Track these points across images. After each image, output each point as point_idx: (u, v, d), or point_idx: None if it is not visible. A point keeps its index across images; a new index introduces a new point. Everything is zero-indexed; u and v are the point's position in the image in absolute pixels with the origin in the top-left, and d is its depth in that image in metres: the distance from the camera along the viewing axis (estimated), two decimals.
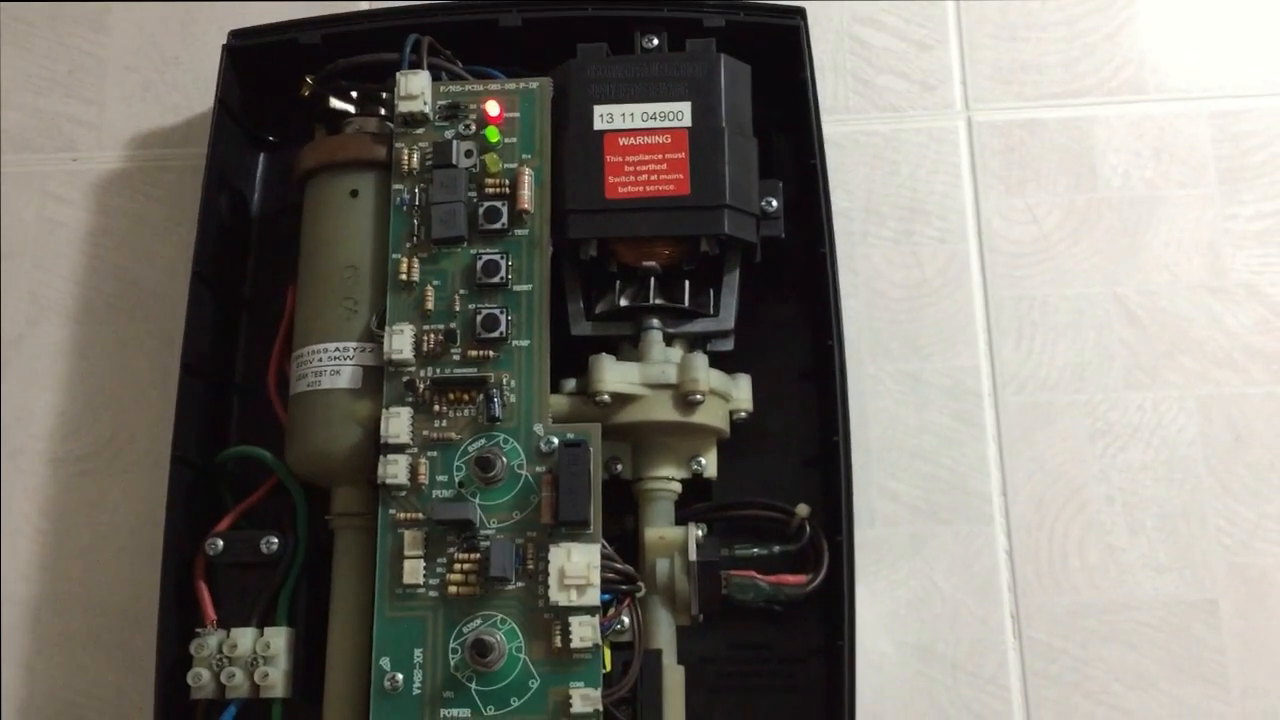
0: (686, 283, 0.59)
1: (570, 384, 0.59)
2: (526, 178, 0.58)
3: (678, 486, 0.59)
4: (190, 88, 0.71)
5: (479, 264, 0.57)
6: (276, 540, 0.58)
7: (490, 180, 0.58)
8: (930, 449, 0.63)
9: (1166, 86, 0.68)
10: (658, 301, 0.59)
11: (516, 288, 0.57)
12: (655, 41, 0.63)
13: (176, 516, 0.59)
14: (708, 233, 0.58)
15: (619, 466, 0.59)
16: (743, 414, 0.60)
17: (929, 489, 0.62)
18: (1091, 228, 0.66)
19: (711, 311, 0.60)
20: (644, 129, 0.59)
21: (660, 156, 0.59)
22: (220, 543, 0.58)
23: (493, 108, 0.59)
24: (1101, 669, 0.60)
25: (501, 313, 0.57)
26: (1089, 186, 0.66)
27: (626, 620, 0.55)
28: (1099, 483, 0.62)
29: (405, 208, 0.59)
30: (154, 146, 0.70)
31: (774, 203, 0.61)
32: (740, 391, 0.60)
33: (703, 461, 0.59)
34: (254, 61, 0.66)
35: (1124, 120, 0.67)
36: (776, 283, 0.63)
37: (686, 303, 0.59)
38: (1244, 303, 0.64)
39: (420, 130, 0.60)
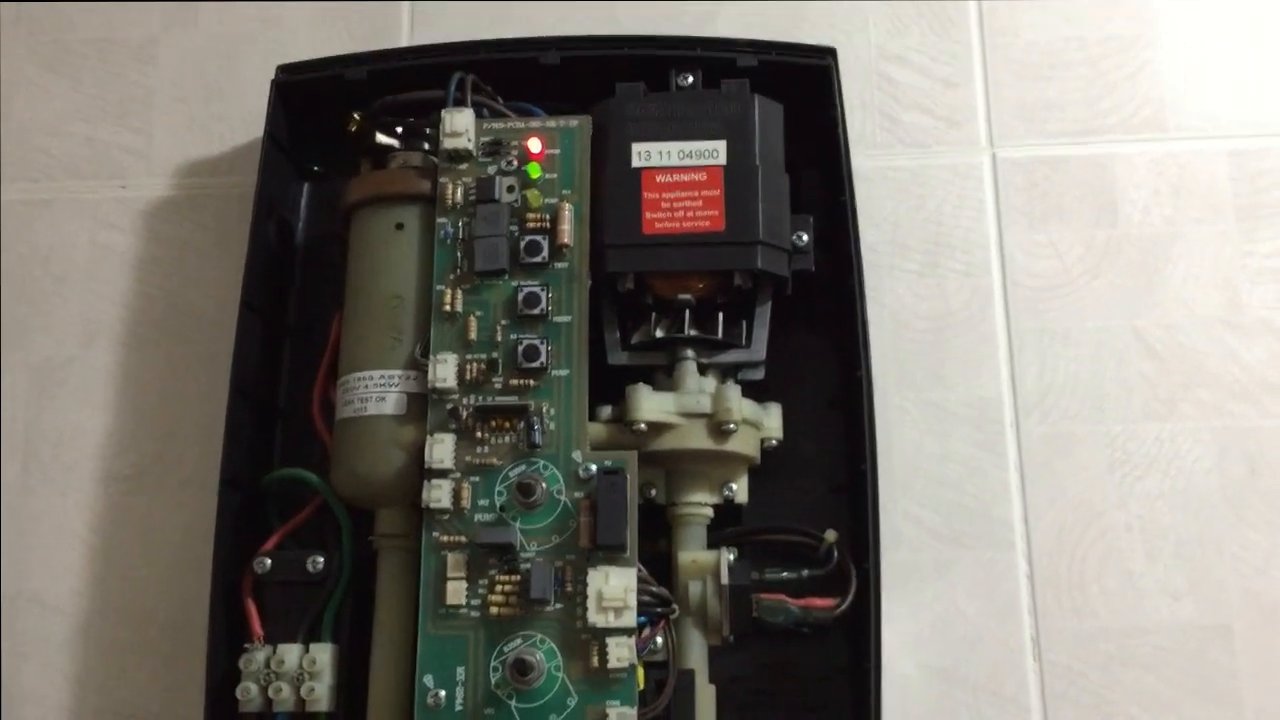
0: (720, 315, 0.61)
1: (607, 411, 0.60)
2: (567, 213, 0.60)
3: (710, 511, 0.61)
4: (235, 118, 0.73)
5: (520, 296, 0.59)
6: (322, 560, 0.60)
7: (531, 215, 0.60)
8: (954, 476, 0.65)
9: (1186, 125, 0.69)
10: (692, 333, 0.61)
11: (556, 319, 0.59)
12: (690, 79, 0.65)
13: (225, 536, 0.60)
14: (742, 268, 0.60)
15: (653, 491, 0.61)
16: (773, 441, 0.61)
17: (952, 515, 0.64)
18: (1112, 262, 0.67)
19: (743, 343, 0.62)
20: (680, 166, 0.61)
21: (696, 193, 0.60)
22: (268, 561, 0.60)
23: (534, 145, 0.61)
24: (1119, 692, 0.62)
25: (542, 343, 0.58)
26: (1109, 222, 0.68)
27: (661, 641, 0.57)
28: (1118, 510, 0.64)
29: (449, 240, 0.61)
30: (201, 175, 0.72)
31: (805, 237, 0.62)
32: (771, 420, 0.61)
33: (734, 488, 0.61)
34: (301, 95, 0.68)
35: (1144, 158, 0.69)
36: (806, 314, 0.65)
37: (720, 334, 0.61)
38: (1260, 337, 0.66)
39: (464, 166, 0.62)
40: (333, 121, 0.65)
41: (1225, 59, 0.71)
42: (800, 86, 0.65)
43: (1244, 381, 0.65)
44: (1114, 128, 0.70)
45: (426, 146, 0.64)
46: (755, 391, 0.61)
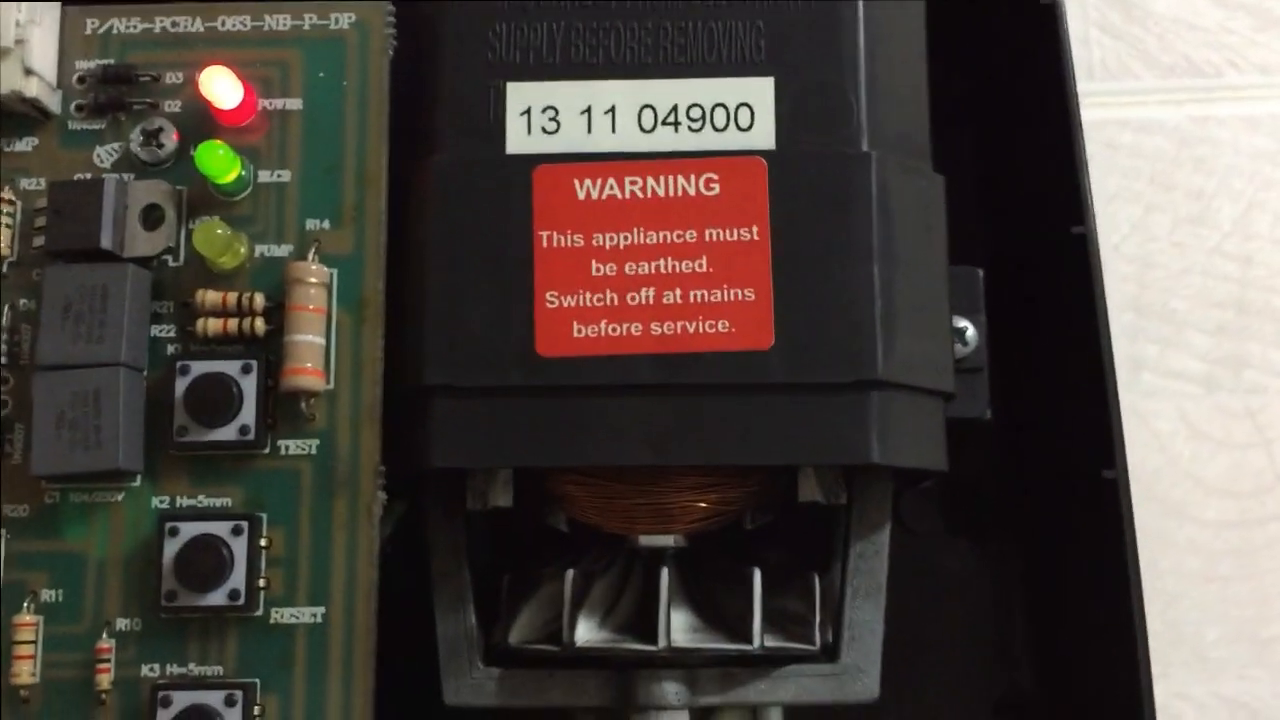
0: (755, 576, 0.22)
1: None
2: (312, 294, 0.21)
3: None
4: None
5: (172, 549, 0.21)
6: None
7: (206, 296, 0.22)
8: None
9: None
10: (683, 640, 0.22)
11: (279, 617, 0.21)
12: None
13: None
14: (832, 460, 0.22)
15: None
16: None
17: None
18: None
19: (817, 644, 0.22)
20: (646, 155, 0.22)
21: (693, 233, 0.21)
22: None
23: (223, 87, 0.22)
24: None
25: (232, 706, 0.21)
26: None
27: None
28: None
29: None
30: None
31: (970, 334, 0.24)
32: None
33: None
34: None
35: None
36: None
37: (756, 640, 0.22)
38: None
39: (24, 144, 0.22)
40: None
41: None
42: None
43: None
44: None
45: None
46: None
